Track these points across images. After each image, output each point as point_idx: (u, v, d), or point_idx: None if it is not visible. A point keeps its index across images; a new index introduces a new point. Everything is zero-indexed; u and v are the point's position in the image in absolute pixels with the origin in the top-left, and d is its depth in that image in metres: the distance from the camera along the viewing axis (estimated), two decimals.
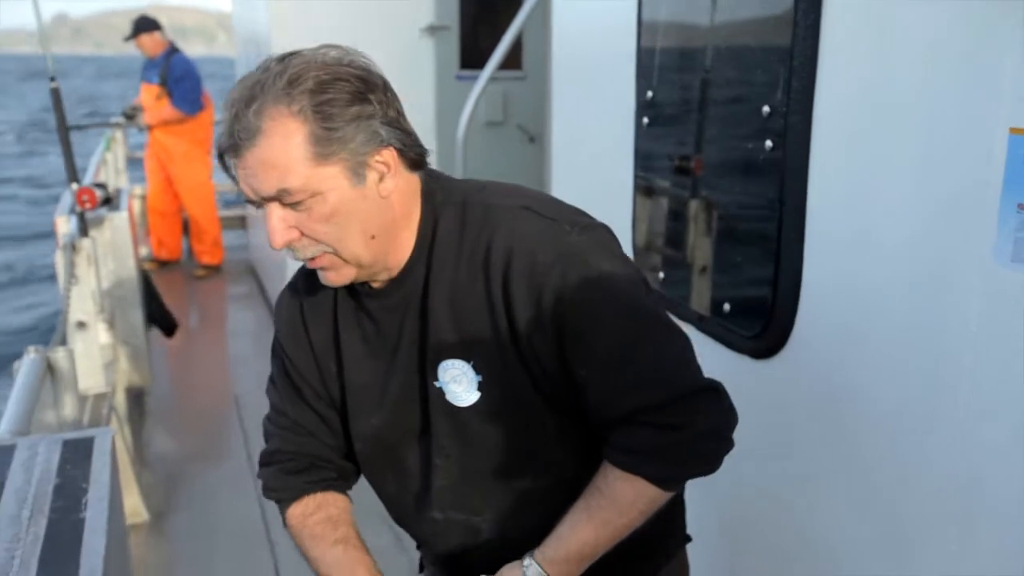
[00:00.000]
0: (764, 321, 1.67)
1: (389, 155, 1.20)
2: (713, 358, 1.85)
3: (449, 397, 1.28)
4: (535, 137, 5.14)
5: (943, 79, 1.29)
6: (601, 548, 1.28)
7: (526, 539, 1.33)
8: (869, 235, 1.45)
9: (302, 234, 1.20)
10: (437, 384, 1.28)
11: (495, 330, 1.23)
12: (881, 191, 1.42)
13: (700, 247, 1.89)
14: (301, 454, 1.43)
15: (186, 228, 7.20)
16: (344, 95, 1.15)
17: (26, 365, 2.32)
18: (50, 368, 2.36)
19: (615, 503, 1.25)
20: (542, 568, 1.27)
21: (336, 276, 1.25)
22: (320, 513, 1.41)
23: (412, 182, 1.27)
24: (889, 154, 1.40)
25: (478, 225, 1.24)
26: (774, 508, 1.77)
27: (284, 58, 1.18)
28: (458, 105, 3.57)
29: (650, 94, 2.04)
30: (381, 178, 1.21)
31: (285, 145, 1.14)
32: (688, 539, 1.51)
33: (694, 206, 1.91)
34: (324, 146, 1.14)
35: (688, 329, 1.93)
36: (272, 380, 1.45)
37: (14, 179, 18.29)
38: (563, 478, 1.32)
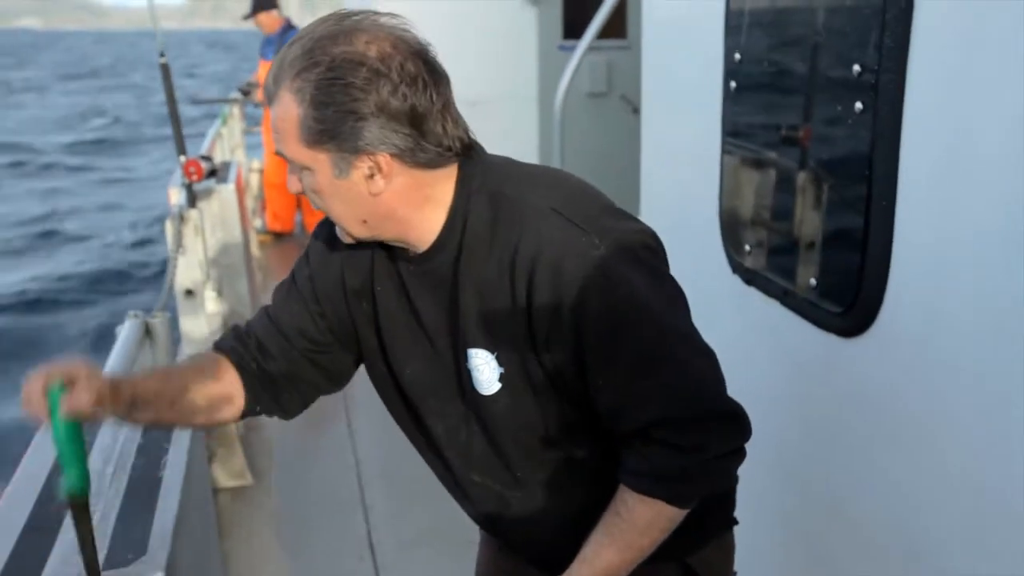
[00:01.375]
0: (851, 297, 1.56)
1: (383, 160, 1.18)
2: (797, 336, 1.76)
3: (474, 383, 1.29)
4: (639, 108, 5.02)
5: None
6: (626, 569, 1.29)
7: (550, 521, 1.36)
8: (966, 204, 1.33)
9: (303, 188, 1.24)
10: (467, 366, 1.29)
11: (517, 330, 1.23)
12: (980, 157, 1.30)
13: (785, 218, 1.79)
14: (257, 337, 1.41)
15: (299, 201, 7.39)
16: (352, 88, 1.13)
17: (126, 329, 2.42)
18: (148, 332, 2.45)
19: (635, 526, 1.26)
20: None
21: (340, 233, 1.29)
22: (199, 359, 1.44)
23: (423, 178, 1.22)
24: (989, 115, 1.28)
25: (508, 222, 1.22)
26: (857, 496, 1.67)
27: (342, 19, 1.17)
28: (560, 76, 3.51)
29: (738, 56, 1.94)
30: (371, 176, 1.19)
31: (284, 117, 1.18)
32: (734, 522, 1.47)
33: (778, 175, 1.81)
34: (310, 134, 1.17)
35: (772, 305, 1.85)
36: (284, 284, 1.44)
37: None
38: (585, 467, 1.33)
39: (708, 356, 1.25)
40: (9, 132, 22.67)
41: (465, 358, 1.28)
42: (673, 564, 1.39)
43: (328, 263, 1.40)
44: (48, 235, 12.20)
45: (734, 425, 1.25)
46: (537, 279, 1.18)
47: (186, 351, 3.80)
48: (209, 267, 3.89)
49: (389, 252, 1.34)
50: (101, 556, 1.38)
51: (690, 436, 1.21)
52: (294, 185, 1.25)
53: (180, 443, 1.74)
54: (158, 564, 1.36)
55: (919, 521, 1.51)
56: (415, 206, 1.23)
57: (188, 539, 1.55)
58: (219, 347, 1.43)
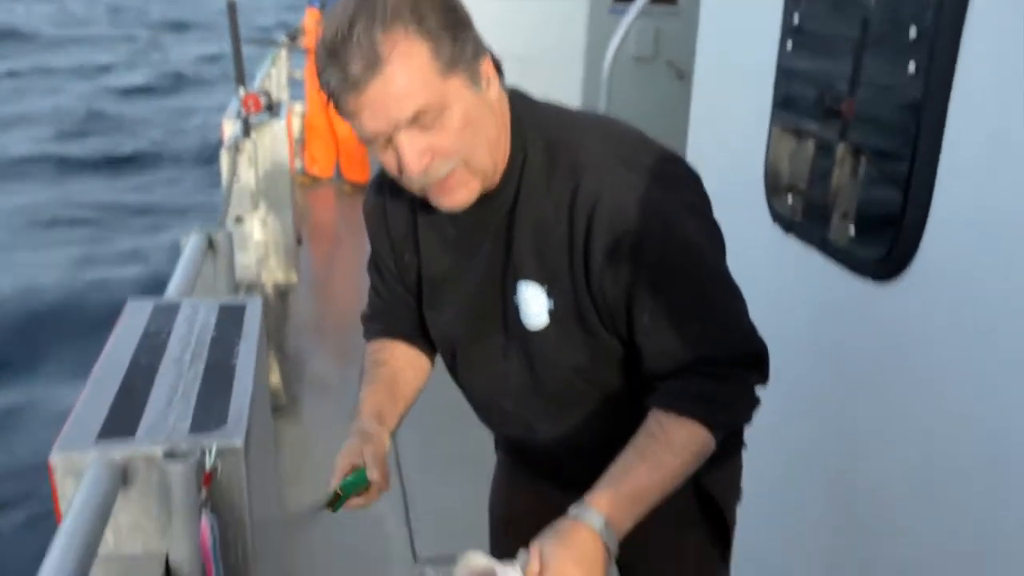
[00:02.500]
0: (890, 242, 1.67)
1: (487, 63, 1.25)
2: (833, 281, 1.87)
3: (521, 316, 1.35)
4: (684, 74, 5.09)
5: None
6: (654, 494, 1.27)
7: (576, 447, 1.43)
8: (1010, 157, 1.43)
9: (433, 156, 1.22)
10: (515, 300, 1.35)
11: (571, 269, 1.28)
12: None
13: (829, 168, 1.88)
14: (379, 314, 1.60)
15: (338, 147, 7.50)
16: (446, 8, 1.19)
17: (191, 242, 2.56)
18: (211, 246, 2.58)
19: (669, 445, 1.27)
20: (597, 511, 1.22)
21: (465, 192, 1.27)
22: (375, 355, 1.57)
23: (501, 93, 1.30)
24: None
25: (566, 167, 1.27)
26: (883, 438, 1.78)
27: None
28: (610, 39, 3.60)
29: (797, 18, 2.03)
30: (488, 84, 1.25)
31: (413, 66, 1.15)
32: (743, 445, 1.56)
33: (825, 127, 1.90)
34: (447, 59, 1.18)
35: (810, 252, 1.96)
36: (369, 258, 1.59)
37: None
38: (620, 399, 1.39)
39: (742, 299, 1.33)
40: None
41: (514, 291, 1.34)
42: (688, 484, 1.38)
43: (378, 229, 1.51)
44: None
45: (763, 364, 1.33)
46: (596, 219, 1.24)
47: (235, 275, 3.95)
48: (258, 197, 4.03)
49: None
50: (186, 423, 1.53)
51: (728, 371, 1.29)
52: (420, 161, 1.21)
53: (250, 338, 1.87)
54: (239, 432, 1.50)
55: (942, 465, 1.60)
56: (504, 126, 1.30)
57: (258, 418, 1.69)
58: (380, 336, 1.59)
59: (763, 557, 2.17)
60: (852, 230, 1.80)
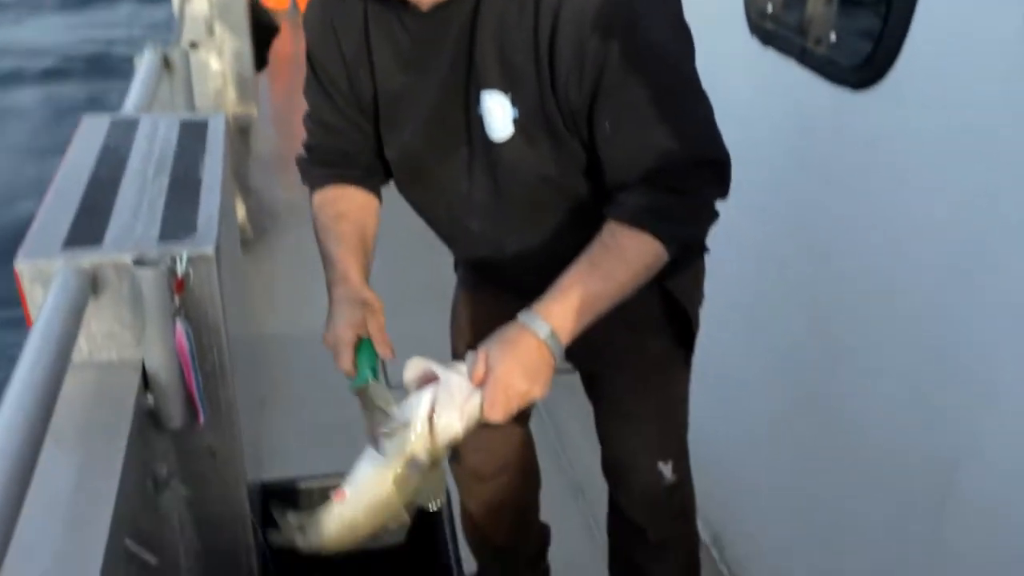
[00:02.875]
0: (869, 48, 1.63)
1: None
2: (812, 91, 1.84)
3: (485, 128, 1.31)
4: None
5: None
6: (603, 303, 1.27)
7: (543, 259, 1.38)
8: None
9: None
10: (478, 111, 1.31)
11: (537, 71, 1.24)
12: None
13: None
14: (328, 149, 1.51)
15: None
16: None
17: (145, 60, 2.45)
18: (167, 65, 2.47)
19: (622, 256, 1.27)
20: (544, 319, 1.24)
21: None
22: (332, 207, 1.50)
23: None
24: None
25: None
26: (851, 238, 1.80)
27: None
28: None
29: None
30: None
31: None
32: (706, 249, 1.57)
33: None
34: None
35: (789, 63, 1.92)
36: (307, 82, 1.49)
37: None
38: (588, 209, 1.36)
39: (709, 105, 1.30)
40: None
41: (477, 102, 1.30)
42: (651, 288, 1.40)
43: (327, 45, 1.42)
44: None
45: (725, 175, 1.31)
46: (563, 18, 1.20)
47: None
48: (212, 22, 3.84)
49: (386, 7, 1.32)
50: (154, 232, 1.50)
51: (689, 181, 1.27)
52: None
53: (215, 152, 1.81)
54: (209, 240, 1.48)
55: (909, 272, 1.63)
56: None
57: (227, 229, 1.66)
58: (329, 182, 1.51)
59: (727, 369, 2.23)
60: (832, 37, 1.76)
